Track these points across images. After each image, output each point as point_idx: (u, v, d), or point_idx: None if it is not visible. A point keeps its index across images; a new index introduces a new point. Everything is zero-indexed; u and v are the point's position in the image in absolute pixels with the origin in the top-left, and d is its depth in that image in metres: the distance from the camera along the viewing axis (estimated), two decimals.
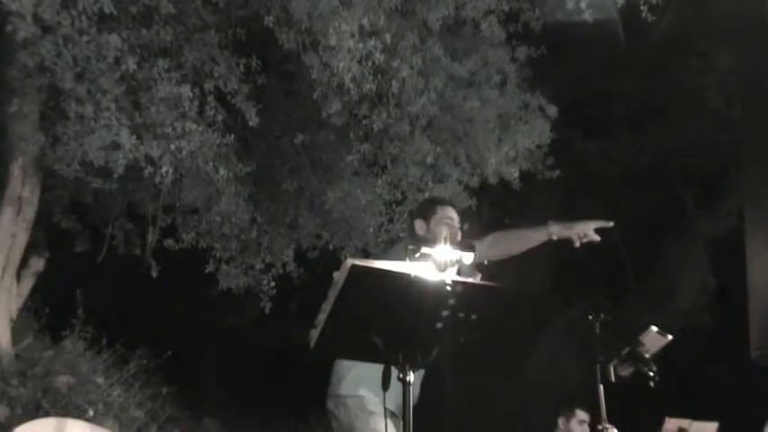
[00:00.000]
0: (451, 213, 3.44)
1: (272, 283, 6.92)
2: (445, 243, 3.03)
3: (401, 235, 6.33)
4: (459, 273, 2.28)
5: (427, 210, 3.45)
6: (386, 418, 2.66)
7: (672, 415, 4.92)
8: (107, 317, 7.08)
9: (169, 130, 5.31)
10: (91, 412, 5.53)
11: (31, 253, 6.55)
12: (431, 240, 2.22)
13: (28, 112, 5.35)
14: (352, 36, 5.15)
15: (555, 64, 7.39)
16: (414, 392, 2.49)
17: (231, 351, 10.53)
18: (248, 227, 6.67)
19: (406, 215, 6.47)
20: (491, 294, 2.31)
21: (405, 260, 2.23)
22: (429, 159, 6.17)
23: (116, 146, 5.13)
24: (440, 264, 2.18)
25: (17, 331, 6.23)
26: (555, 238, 3.33)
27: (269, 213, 6.99)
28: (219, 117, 5.77)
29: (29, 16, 4.56)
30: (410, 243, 2.26)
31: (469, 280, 2.28)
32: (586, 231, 3.28)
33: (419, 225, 3.38)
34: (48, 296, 7.07)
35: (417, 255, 2.21)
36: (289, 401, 9.07)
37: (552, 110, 6.72)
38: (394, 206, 6.65)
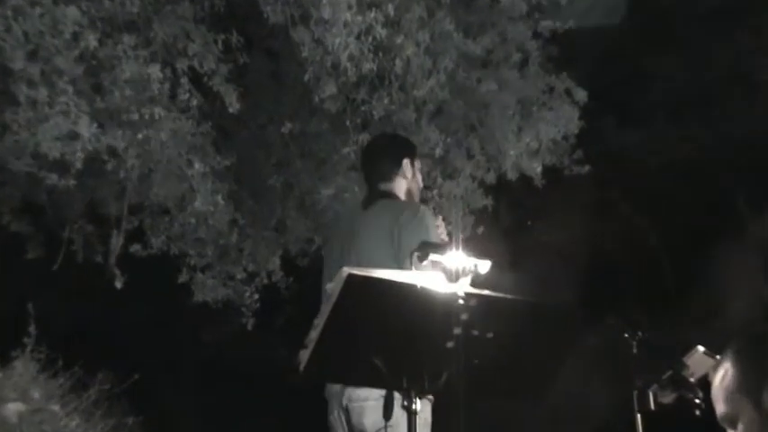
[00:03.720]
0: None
1: (256, 296, 6.92)
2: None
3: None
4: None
5: (414, 151, 3.53)
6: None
7: None
8: (64, 334, 7.07)
9: (136, 116, 5.31)
10: None
11: None
12: (441, 245, 2.21)
13: None
14: (349, 8, 5.15)
15: (584, 40, 7.38)
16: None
17: (208, 374, 10.52)
18: (228, 230, 6.67)
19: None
20: (510, 308, 2.30)
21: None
22: (438, 151, 6.17)
23: (74, 135, 5.12)
24: (451, 272, 2.17)
25: None
26: None
27: (252, 214, 6.99)
28: (194, 102, 5.76)
29: None
30: (417, 248, 2.25)
31: (486, 292, 2.27)
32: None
33: (408, 168, 3.43)
34: None
35: (425, 262, 2.20)
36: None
37: (581, 94, 6.71)
38: None
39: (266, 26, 5.75)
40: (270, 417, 9.49)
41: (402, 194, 3.39)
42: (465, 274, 2.27)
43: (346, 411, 3.14)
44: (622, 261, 10.40)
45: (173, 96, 5.64)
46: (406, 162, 3.39)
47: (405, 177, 3.38)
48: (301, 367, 2.14)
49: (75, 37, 5.07)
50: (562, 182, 7.26)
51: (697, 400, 3.40)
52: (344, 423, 3.17)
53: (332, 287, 2.08)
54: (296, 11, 5.41)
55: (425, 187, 6.51)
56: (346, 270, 2.05)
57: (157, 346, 9.59)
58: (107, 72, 5.33)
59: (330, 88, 5.63)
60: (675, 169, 10.19)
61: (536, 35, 6.65)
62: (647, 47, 9.46)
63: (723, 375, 1.88)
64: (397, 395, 2.27)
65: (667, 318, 9.53)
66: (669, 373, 3.51)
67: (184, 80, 5.67)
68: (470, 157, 6.66)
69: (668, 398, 3.48)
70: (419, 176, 3.42)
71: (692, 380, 3.47)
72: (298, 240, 7.00)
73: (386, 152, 3.55)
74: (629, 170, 10.25)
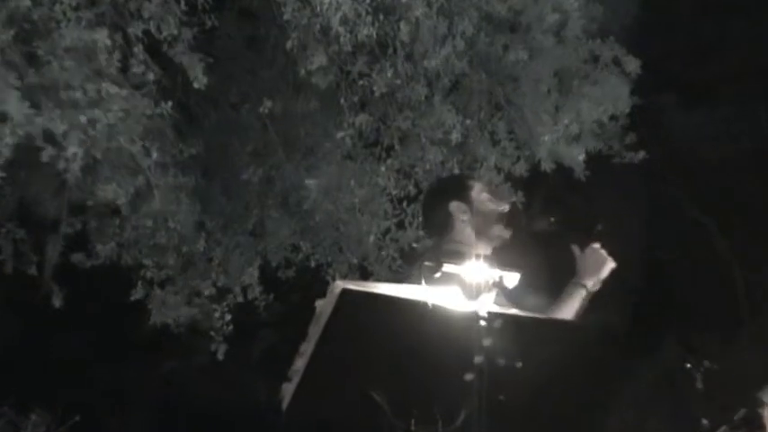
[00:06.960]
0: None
1: (228, 317, 6.92)
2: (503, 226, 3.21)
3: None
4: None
5: (460, 188, 3.39)
6: None
7: None
8: None
9: (78, 94, 5.32)
10: None
11: None
12: (457, 253, 2.21)
13: None
14: None
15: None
16: None
17: (167, 414, 10.54)
18: (193, 235, 6.68)
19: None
20: (544, 332, 2.30)
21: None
22: (455, 136, 6.18)
23: (1, 117, 5.13)
24: (471, 287, 2.17)
25: None
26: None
27: (223, 215, 7.00)
28: (151, 76, 5.77)
29: None
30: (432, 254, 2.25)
31: (513, 311, 2.27)
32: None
33: (459, 208, 3.27)
34: None
35: (437, 274, 2.20)
36: None
37: (633, 64, 6.72)
38: (404, 204, 6.66)
39: None
40: None
41: (468, 240, 3.26)
42: (488, 288, 2.27)
43: None
44: (684, 272, 10.38)
45: (124, 69, 5.65)
46: (454, 205, 3.29)
47: (461, 221, 3.29)
48: (284, 405, 2.14)
49: None
50: (610, 173, 7.25)
51: None
52: None
53: (322, 305, 2.08)
54: None
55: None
56: (339, 284, 2.05)
57: (104, 380, 9.60)
58: (43, 39, 5.34)
59: (319, 58, 5.64)
60: (752, 158, 10.18)
61: None
62: (714, 6, 9.46)
63: None
64: None
65: (739, 342, 9.53)
66: (742, 411, 3.52)
67: (138, 49, 5.68)
68: (495, 143, 6.67)
69: None
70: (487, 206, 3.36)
71: None
72: (280, 247, 7.00)
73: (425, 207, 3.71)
74: (693, 158, 10.24)
